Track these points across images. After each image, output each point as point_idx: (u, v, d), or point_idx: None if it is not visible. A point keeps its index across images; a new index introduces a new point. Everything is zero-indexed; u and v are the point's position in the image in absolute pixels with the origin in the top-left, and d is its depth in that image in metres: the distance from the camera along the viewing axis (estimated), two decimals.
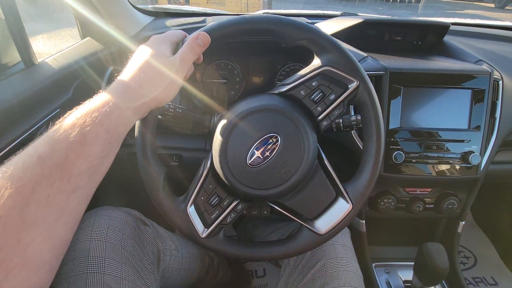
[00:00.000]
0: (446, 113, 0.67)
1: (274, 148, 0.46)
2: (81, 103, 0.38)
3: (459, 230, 0.76)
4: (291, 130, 0.46)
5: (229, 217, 0.49)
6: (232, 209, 0.49)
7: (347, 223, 0.49)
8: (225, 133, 0.46)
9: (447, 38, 0.87)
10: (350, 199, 0.48)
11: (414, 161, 0.67)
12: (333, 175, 0.48)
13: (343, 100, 0.47)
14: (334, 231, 0.48)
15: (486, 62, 0.71)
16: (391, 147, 0.67)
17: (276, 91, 0.50)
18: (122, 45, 0.79)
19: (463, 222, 0.76)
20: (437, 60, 0.74)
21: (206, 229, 0.49)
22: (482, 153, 0.68)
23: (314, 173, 0.48)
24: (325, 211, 0.49)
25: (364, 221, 0.75)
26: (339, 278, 0.57)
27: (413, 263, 0.68)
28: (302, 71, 0.49)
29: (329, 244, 0.63)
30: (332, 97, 0.47)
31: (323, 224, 0.49)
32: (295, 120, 0.46)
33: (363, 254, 0.75)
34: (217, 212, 0.49)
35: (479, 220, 1.34)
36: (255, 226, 0.94)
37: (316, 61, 0.48)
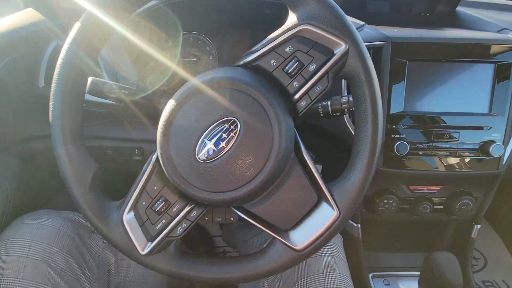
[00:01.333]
0: (461, 93, 0.55)
1: (232, 137, 0.34)
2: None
3: (474, 235, 0.64)
4: (255, 113, 0.34)
5: (179, 227, 0.38)
6: (184, 217, 0.38)
7: (332, 235, 0.37)
8: (167, 118, 0.35)
9: (461, 9, 0.73)
10: (336, 204, 0.36)
11: (420, 153, 0.55)
12: (315, 172, 0.37)
13: (327, 72, 0.35)
14: (314, 247, 0.37)
15: (511, 31, 0.57)
16: (392, 136, 0.54)
17: (241, 62, 0.37)
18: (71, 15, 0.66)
19: (479, 226, 0.64)
20: (450, 31, 0.61)
21: (149, 243, 0.38)
22: (506, 143, 0.55)
23: (289, 171, 0.37)
24: (304, 220, 0.38)
25: (359, 225, 0.63)
26: None
27: (417, 272, 0.56)
28: (273, 34, 0.36)
29: (315, 255, 0.52)
30: (312, 67, 0.35)
31: (301, 237, 0.37)
32: (261, 98, 0.33)
33: (358, 263, 0.64)
34: (163, 221, 0.38)
35: (490, 217, 1.22)
36: (237, 228, 0.83)
37: (291, 18, 0.35)
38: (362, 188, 0.36)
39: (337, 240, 0.56)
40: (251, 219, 0.38)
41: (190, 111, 0.34)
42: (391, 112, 0.54)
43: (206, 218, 0.46)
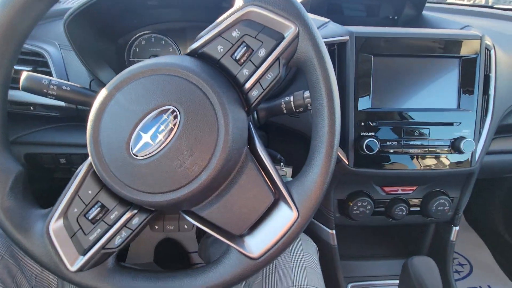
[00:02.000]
0: (429, 89, 0.53)
1: (172, 129, 0.30)
2: None
3: (453, 237, 0.61)
4: (197, 102, 0.30)
5: (118, 237, 0.33)
6: (124, 225, 0.33)
7: (291, 240, 0.33)
8: (98, 108, 0.31)
9: (427, 13, 0.74)
10: (295, 204, 0.32)
11: (391, 151, 0.52)
12: (271, 169, 0.33)
13: (277, 57, 0.32)
14: (272, 253, 0.33)
15: (474, 28, 0.57)
16: (361, 134, 0.52)
17: (188, 50, 0.34)
18: None
19: (457, 228, 0.61)
20: (416, 29, 0.61)
21: (81, 257, 0.32)
22: (476, 140, 0.53)
23: (241, 168, 0.33)
24: (260, 224, 0.34)
25: (334, 231, 0.59)
26: None
27: (397, 281, 0.52)
28: (220, 18, 0.33)
29: (285, 267, 0.47)
30: (262, 53, 0.32)
31: (257, 243, 0.33)
32: (204, 86, 0.30)
33: (335, 273, 0.59)
34: (98, 230, 0.33)
35: (472, 221, 1.21)
36: (212, 241, 0.77)
37: (238, 0, 0.32)
38: (321, 185, 0.32)
39: (311, 248, 0.52)
40: (202, 224, 0.33)
41: (123, 100, 0.30)
42: (359, 108, 0.52)
43: (157, 227, 0.41)
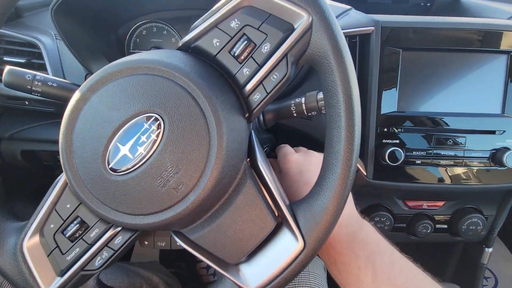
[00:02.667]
0: (468, 90, 0.45)
1: (154, 140, 0.25)
2: None
3: (484, 260, 0.54)
4: (185, 107, 0.25)
5: (98, 257, 0.29)
6: (105, 245, 0.29)
7: (295, 273, 0.28)
8: (70, 114, 0.26)
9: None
10: (301, 232, 0.27)
11: (418, 162, 0.45)
12: (273, 188, 0.28)
13: (285, 54, 0.26)
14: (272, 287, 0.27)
15: None
16: (384, 141, 0.45)
17: (180, 44, 0.29)
18: None
19: (490, 249, 0.53)
20: (453, 18, 0.52)
21: (58, 279, 0.29)
22: None
23: (239, 186, 0.28)
24: (258, 252, 0.29)
25: None
26: None
27: None
28: (216, 4, 0.27)
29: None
30: (266, 48, 0.26)
31: (255, 274, 0.29)
32: (194, 89, 0.25)
33: None
34: (77, 249, 0.29)
35: (501, 231, 1.11)
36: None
37: None
38: (334, 212, 0.26)
39: (318, 268, 0.46)
40: (192, 248, 0.29)
41: (99, 105, 0.26)
42: (382, 112, 0.45)
43: (146, 243, 0.37)
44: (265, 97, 0.27)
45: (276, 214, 0.28)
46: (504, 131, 0.45)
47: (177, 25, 0.57)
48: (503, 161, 0.44)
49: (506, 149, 0.44)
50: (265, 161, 0.29)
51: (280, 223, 0.28)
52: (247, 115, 0.28)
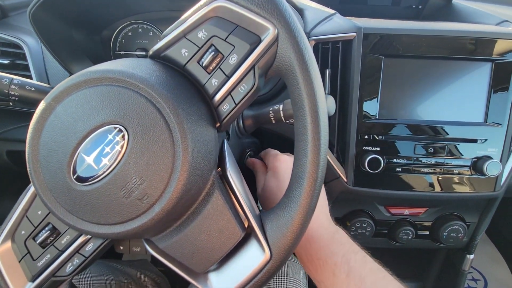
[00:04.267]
0: (451, 98, 0.45)
1: (118, 151, 0.25)
2: None
3: (466, 267, 0.54)
4: (149, 118, 0.25)
5: (69, 264, 0.29)
6: (76, 251, 0.29)
7: (261, 284, 0.28)
8: (36, 124, 0.26)
9: (458, 2, 0.64)
10: (267, 242, 0.27)
11: (399, 169, 0.45)
12: (241, 198, 0.28)
13: (252, 66, 0.26)
14: None
15: None
16: (364, 148, 0.45)
17: (150, 52, 0.29)
18: None
19: (472, 256, 0.53)
20: (439, 23, 0.51)
21: (29, 284, 0.30)
22: (504, 160, 0.45)
23: (207, 196, 0.28)
24: (227, 261, 0.29)
25: None
26: None
27: None
28: (185, 14, 0.27)
29: None
30: (233, 60, 0.26)
31: (222, 282, 0.29)
32: (157, 100, 0.25)
33: None
34: (48, 256, 0.30)
35: (491, 233, 1.11)
36: None
37: None
38: (300, 223, 0.27)
39: (298, 273, 0.46)
40: (162, 256, 0.29)
41: (63, 115, 0.26)
42: (363, 119, 0.44)
43: (122, 248, 0.37)
44: (234, 108, 0.27)
45: (246, 225, 0.28)
46: (486, 139, 0.44)
47: (163, 26, 0.57)
48: (483, 170, 0.43)
49: (488, 158, 0.44)
50: (235, 171, 0.29)
51: (249, 234, 0.28)
52: (218, 125, 0.28)
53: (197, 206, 0.27)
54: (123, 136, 0.25)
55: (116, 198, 0.25)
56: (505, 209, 0.98)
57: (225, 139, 0.31)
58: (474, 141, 0.45)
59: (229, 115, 0.27)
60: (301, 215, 0.26)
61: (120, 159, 0.25)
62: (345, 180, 0.46)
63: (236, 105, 0.27)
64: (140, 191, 0.25)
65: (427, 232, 0.52)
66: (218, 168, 0.29)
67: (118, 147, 0.25)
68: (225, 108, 0.27)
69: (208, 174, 0.27)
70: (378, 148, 0.44)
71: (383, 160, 0.44)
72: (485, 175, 0.44)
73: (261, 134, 0.53)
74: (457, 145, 0.45)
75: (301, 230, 0.27)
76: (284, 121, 0.39)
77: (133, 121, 0.25)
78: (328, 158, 0.47)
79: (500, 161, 0.44)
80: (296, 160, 0.27)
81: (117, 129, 0.25)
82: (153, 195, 0.25)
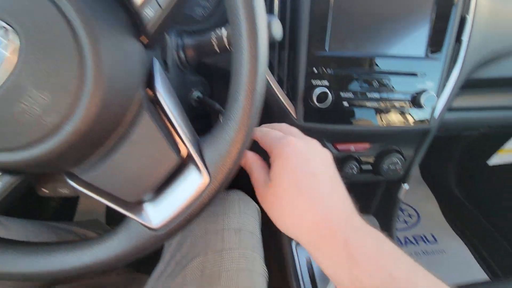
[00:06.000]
0: (396, 33, 0.45)
1: (7, 58, 0.20)
2: None
3: (401, 195, 0.60)
4: (45, 16, 0.20)
5: None
6: None
7: (201, 209, 0.27)
8: None
9: None
10: (206, 166, 0.26)
11: (346, 104, 0.46)
12: (174, 120, 0.25)
13: None
14: (177, 224, 0.27)
15: None
16: (313, 82, 0.44)
17: None
18: None
19: (406, 185, 0.59)
20: None
21: None
22: (439, 94, 0.48)
23: (135, 118, 0.25)
24: (163, 190, 0.27)
25: None
26: (221, 285, 0.37)
27: None
28: None
29: (216, 230, 0.43)
30: None
31: (159, 211, 0.27)
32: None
33: (279, 235, 0.57)
34: None
35: (424, 174, 1.26)
36: None
37: None
38: (239, 143, 0.25)
39: (250, 209, 0.47)
40: (88, 190, 0.26)
41: None
42: (313, 52, 0.43)
43: (47, 191, 0.33)
44: (159, 14, 0.23)
45: (184, 152, 0.26)
46: (425, 73, 0.46)
47: None
48: (421, 102, 0.46)
49: (425, 91, 0.46)
50: (167, 91, 0.26)
51: (184, 160, 0.26)
52: (146, 41, 0.24)
53: (123, 130, 0.24)
54: (13, 40, 0.20)
55: (11, 115, 0.20)
56: (437, 151, 1.10)
57: (155, 59, 0.28)
58: (415, 74, 0.46)
59: (154, 23, 0.24)
60: (240, 134, 0.25)
61: (9, 67, 0.20)
62: (295, 116, 0.46)
63: (162, 9, 0.23)
64: (43, 107, 0.20)
65: (370, 167, 0.55)
66: (147, 89, 0.26)
67: (5, 52, 0.20)
68: (148, 13, 0.23)
69: (132, 92, 0.24)
70: (327, 83, 0.44)
71: (332, 94, 0.44)
72: (422, 107, 0.46)
73: (210, 73, 0.50)
74: (399, 79, 0.46)
75: (240, 151, 0.25)
76: (229, 49, 0.36)
77: (22, 18, 0.20)
78: (278, 94, 0.46)
79: (436, 94, 0.47)
80: (233, 75, 0.25)
81: (4, 30, 0.20)
82: (59, 112, 0.21)
